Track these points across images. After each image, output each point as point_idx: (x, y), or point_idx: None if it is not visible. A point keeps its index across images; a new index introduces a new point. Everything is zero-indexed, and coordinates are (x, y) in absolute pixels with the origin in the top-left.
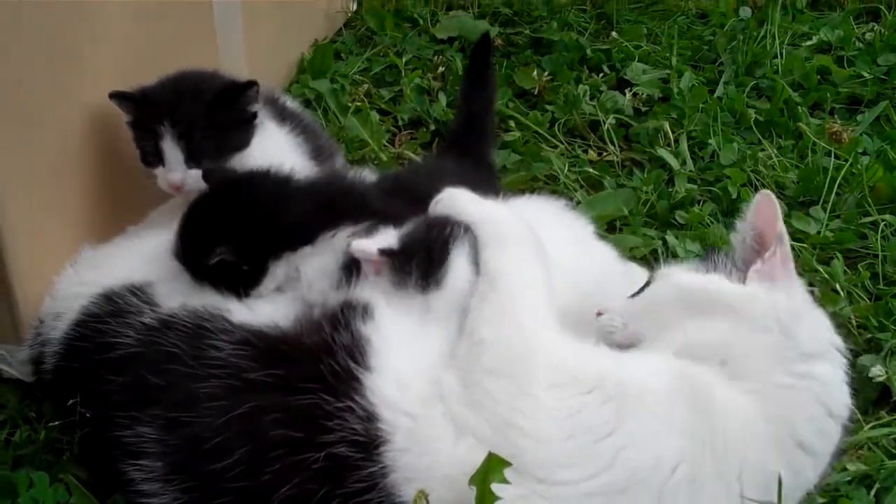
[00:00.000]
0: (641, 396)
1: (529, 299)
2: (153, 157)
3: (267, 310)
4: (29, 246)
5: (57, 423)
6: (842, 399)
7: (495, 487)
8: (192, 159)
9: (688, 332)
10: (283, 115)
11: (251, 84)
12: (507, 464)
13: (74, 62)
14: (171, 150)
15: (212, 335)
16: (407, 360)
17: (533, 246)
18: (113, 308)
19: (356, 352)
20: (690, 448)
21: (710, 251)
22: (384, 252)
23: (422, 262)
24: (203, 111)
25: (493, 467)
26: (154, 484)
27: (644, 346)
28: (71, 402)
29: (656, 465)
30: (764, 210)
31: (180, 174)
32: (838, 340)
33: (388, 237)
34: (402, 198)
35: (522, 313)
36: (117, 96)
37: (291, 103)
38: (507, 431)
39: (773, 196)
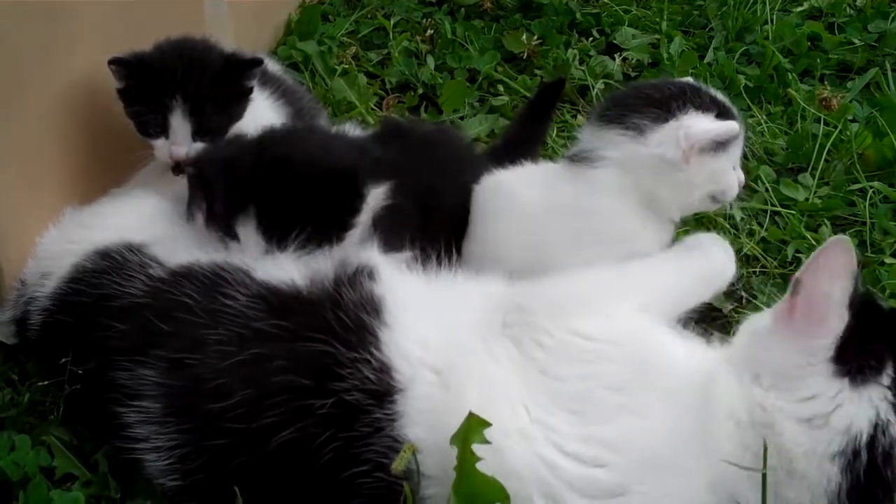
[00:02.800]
0: (663, 373)
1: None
2: (156, 129)
3: (289, 268)
4: (11, 209)
5: (42, 383)
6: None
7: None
8: (198, 134)
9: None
10: (263, 79)
11: (258, 61)
12: (486, 424)
13: (57, 23)
14: (180, 124)
15: (229, 286)
16: (427, 319)
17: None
18: (111, 264)
19: (369, 308)
20: (677, 436)
21: None
22: None
23: None
24: (211, 86)
25: (472, 428)
26: (149, 427)
27: None
28: (63, 360)
29: (647, 436)
30: (822, 254)
31: (185, 148)
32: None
33: None
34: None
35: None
36: (117, 63)
37: (272, 66)
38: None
39: (840, 246)
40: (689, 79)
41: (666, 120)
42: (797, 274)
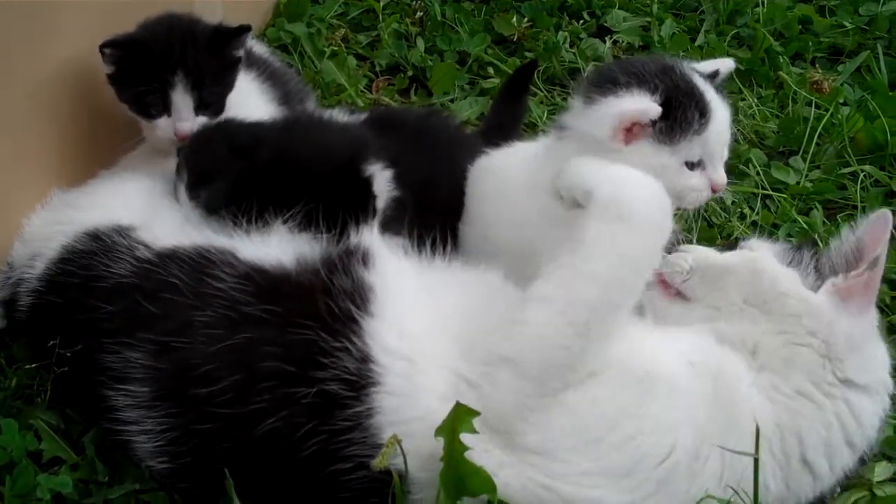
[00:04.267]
0: (669, 385)
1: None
2: (158, 108)
3: (275, 248)
4: None
5: (29, 366)
6: (867, 434)
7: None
8: (200, 107)
9: (740, 317)
10: (248, 61)
11: (246, 27)
12: (474, 413)
13: (45, 6)
14: (182, 99)
15: (215, 267)
16: (415, 311)
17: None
18: (100, 245)
19: (357, 296)
20: (700, 444)
21: (803, 244)
22: None
23: None
24: (207, 58)
25: (460, 417)
26: (137, 410)
27: (690, 310)
28: (51, 343)
29: (665, 454)
30: (876, 229)
31: (190, 123)
32: (889, 381)
33: None
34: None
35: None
36: (111, 45)
37: (259, 48)
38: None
39: (890, 218)
40: (691, 64)
41: (608, 95)
42: (878, 252)
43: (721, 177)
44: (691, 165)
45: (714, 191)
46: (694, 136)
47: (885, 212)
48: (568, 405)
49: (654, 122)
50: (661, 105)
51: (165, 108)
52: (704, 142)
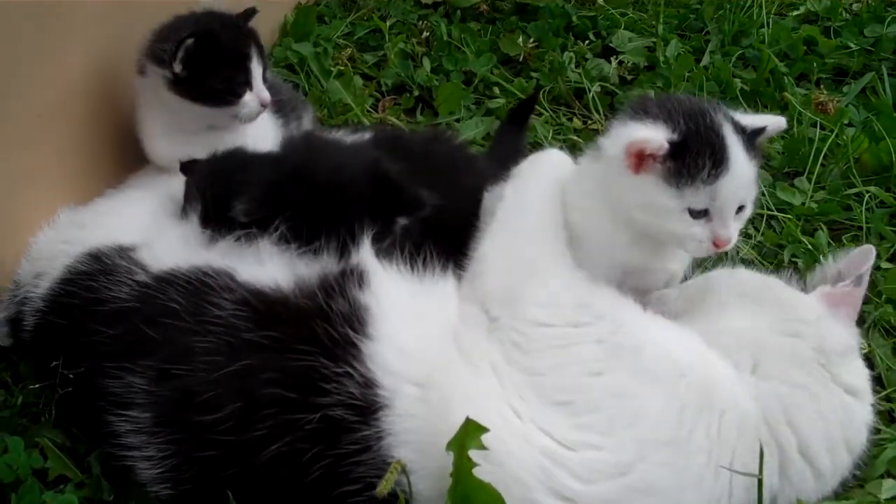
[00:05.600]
0: (639, 352)
1: (540, 226)
2: (243, 84)
3: (272, 268)
4: (6, 209)
5: (35, 385)
6: (861, 438)
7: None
8: (263, 77)
9: (728, 320)
10: None
11: (253, 10)
12: (484, 429)
13: (52, 23)
14: (257, 69)
15: (214, 292)
16: (411, 328)
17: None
18: (102, 266)
19: (354, 320)
20: (678, 419)
21: (782, 271)
22: None
23: None
24: (253, 31)
25: (470, 433)
26: (139, 436)
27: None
28: (54, 363)
29: (637, 422)
30: (858, 258)
31: (266, 91)
32: (871, 394)
33: None
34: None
35: (531, 231)
36: (192, 36)
37: None
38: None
39: (873, 251)
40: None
41: (635, 121)
42: (861, 271)
43: (725, 233)
44: (696, 214)
45: (717, 246)
46: (702, 185)
47: (869, 247)
48: (547, 343)
49: (664, 160)
50: (677, 145)
51: (247, 83)
52: (713, 194)
